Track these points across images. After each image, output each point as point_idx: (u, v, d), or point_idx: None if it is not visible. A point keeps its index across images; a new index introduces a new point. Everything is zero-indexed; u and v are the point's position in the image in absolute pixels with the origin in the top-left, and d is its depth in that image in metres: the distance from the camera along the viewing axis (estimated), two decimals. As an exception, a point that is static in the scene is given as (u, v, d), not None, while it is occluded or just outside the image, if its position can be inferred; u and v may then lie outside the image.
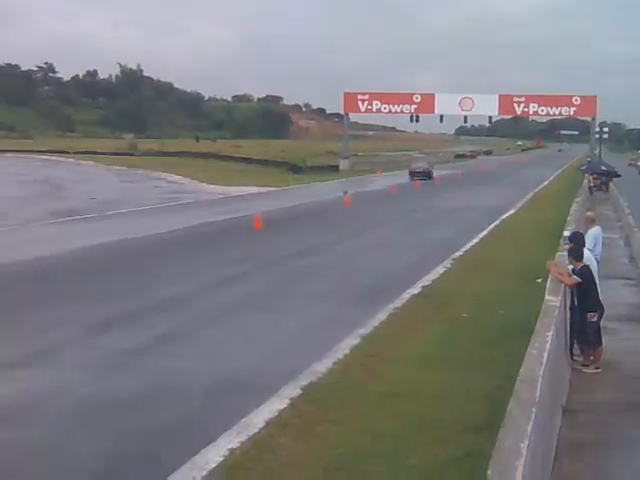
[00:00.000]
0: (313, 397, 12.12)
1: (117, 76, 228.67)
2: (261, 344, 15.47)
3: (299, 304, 19.08)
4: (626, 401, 12.13)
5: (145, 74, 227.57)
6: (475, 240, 30.74)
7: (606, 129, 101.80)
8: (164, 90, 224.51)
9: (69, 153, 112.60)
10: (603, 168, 61.82)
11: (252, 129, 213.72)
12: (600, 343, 13.72)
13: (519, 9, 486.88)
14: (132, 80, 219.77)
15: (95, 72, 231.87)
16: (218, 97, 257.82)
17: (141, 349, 14.83)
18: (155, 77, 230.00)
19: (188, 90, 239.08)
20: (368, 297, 19.88)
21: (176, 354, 14.60)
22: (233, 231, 33.24)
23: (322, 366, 13.64)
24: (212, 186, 61.33)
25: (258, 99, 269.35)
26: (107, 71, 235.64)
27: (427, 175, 76.01)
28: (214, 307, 18.70)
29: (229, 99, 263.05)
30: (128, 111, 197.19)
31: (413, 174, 76.53)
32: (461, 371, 13.22)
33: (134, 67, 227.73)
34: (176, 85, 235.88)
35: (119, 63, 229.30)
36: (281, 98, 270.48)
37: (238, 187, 58.83)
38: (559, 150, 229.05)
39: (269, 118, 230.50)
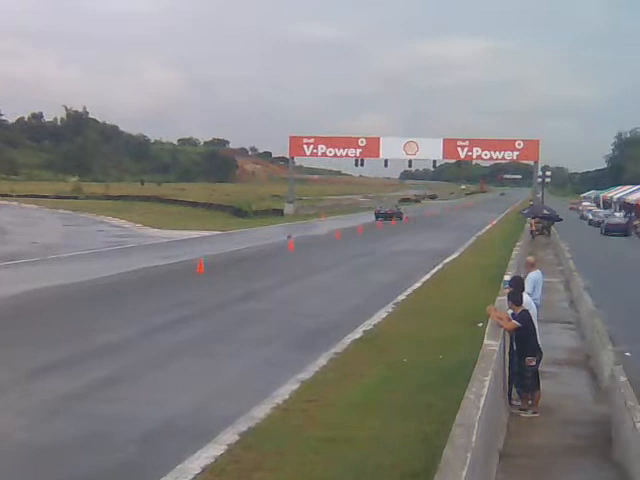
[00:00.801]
0: (251, 443, 12.03)
1: (62, 119, 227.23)
2: (200, 389, 15.35)
3: (240, 349, 18.97)
4: (564, 445, 12.18)
5: (91, 116, 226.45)
6: (417, 284, 30.85)
7: (548, 173, 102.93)
8: (109, 133, 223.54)
9: (12, 196, 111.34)
10: (545, 212, 62.51)
11: (198, 173, 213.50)
12: (538, 387, 13.78)
13: (463, 54, 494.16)
14: (77, 123, 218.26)
15: (40, 114, 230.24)
16: (164, 140, 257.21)
17: (80, 394, 14.67)
18: (101, 120, 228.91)
19: (134, 133, 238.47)
20: (309, 342, 19.84)
21: (115, 399, 14.44)
22: (175, 275, 33.02)
23: (261, 411, 13.55)
24: (156, 230, 61.00)
25: (204, 142, 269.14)
26: (52, 113, 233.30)
27: (390, 216, 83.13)
28: (155, 352, 18.55)
29: (175, 142, 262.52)
30: (73, 154, 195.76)
31: (378, 215, 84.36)
32: (399, 416, 13.18)
33: (80, 109, 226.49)
34: (122, 128, 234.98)
35: (64, 106, 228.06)
36: (227, 142, 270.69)
37: (182, 231, 58.57)
38: (502, 194, 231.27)
39: (215, 162, 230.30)
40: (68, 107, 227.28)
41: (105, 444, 12.08)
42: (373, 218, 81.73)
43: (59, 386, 15.12)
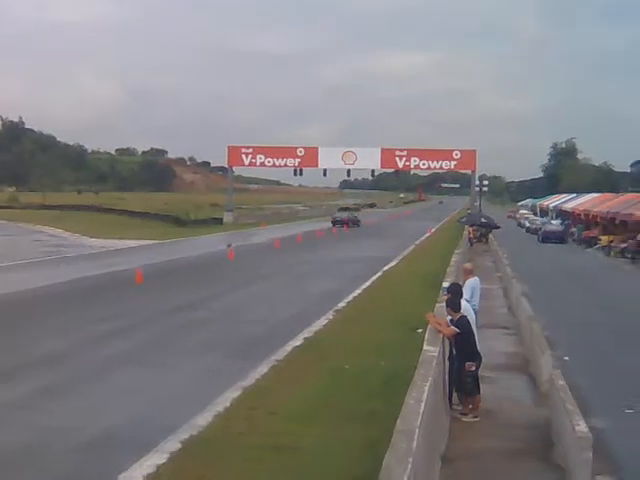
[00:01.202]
0: (193, 451, 11.99)
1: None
2: (141, 399, 15.26)
3: (180, 358, 18.90)
4: (504, 449, 12.29)
5: (27, 126, 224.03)
6: (358, 291, 30.94)
7: (486, 182, 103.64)
8: (46, 143, 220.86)
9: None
10: (483, 220, 63.07)
11: (136, 182, 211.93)
12: (478, 392, 13.90)
13: (401, 65, 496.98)
14: (13, 133, 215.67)
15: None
16: (102, 150, 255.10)
17: (17, 405, 14.54)
18: (37, 129, 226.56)
19: (71, 143, 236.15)
20: (250, 350, 19.82)
21: (53, 410, 14.33)
22: (113, 285, 32.74)
23: (203, 420, 13.53)
24: (93, 239, 60.53)
25: (142, 152, 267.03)
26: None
27: (346, 223, 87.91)
28: (93, 363, 18.38)
29: (113, 152, 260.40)
30: (9, 164, 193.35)
31: (334, 222, 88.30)
32: (342, 423, 13.22)
33: (15, 119, 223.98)
34: (59, 138, 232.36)
35: (0, 115, 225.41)
36: (165, 152, 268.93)
37: (120, 240, 58.13)
38: (440, 202, 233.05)
39: (153, 171, 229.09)
40: (4, 117, 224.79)
41: (44, 455, 11.98)
42: (312, 227, 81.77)
43: (-2, 396, 14.93)
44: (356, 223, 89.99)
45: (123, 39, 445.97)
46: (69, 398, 15.26)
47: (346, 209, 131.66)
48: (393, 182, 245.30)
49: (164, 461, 11.49)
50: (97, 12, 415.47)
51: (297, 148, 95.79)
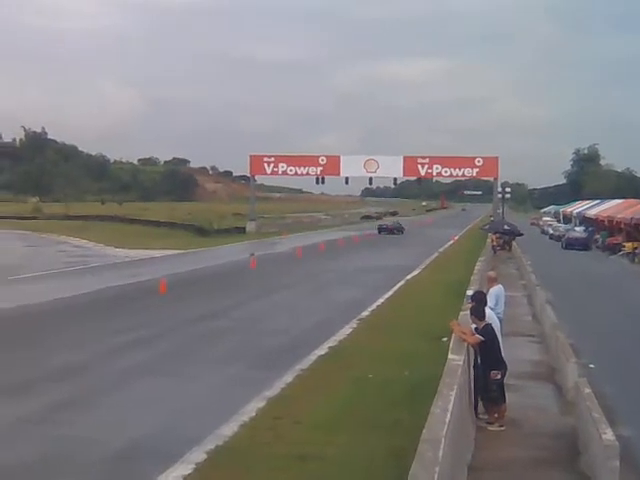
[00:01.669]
0: (219, 462, 12.00)
1: (21, 139, 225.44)
2: (166, 409, 15.29)
3: (204, 368, 18.92)
4: (530, 457, 12.23)
5: (50, 137, 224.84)
6: (381, 300, 30.92)
7: (508, 189, 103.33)
8: (69, 153, 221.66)
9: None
10: (506, 227, 62.82)
11: (159, 192, 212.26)
12: (504, 400, 13.84)
13: (421, 73, 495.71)
14: (36, 143, 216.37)
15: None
16: (124, 160, 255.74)
17: (39, 418, 14.57)
18: (60, 140, 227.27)
19: (93, 153, 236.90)
20: (274, 359, 19.81)
21: (79, 421, 14.36)
22: (137, 295, 32.84)
23: (228, 430, 13.54)
24: (118, 250, 60.67)
25: (165, 162, 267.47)
26: (11, 134, 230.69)
27: (391, 230, 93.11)
28: (118, 373, 18.42)
29: (135, 162, 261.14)
30: (32, 174, 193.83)
31: (380, 229, 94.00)
32: (366, 432, 13.21)
33: (38, 130, 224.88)
34: (81, 148, 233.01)
35: (23, 126, 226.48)
36: (188, 161, 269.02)
37: (144, 250, 58.24)
38: (463, 210, 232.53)
39: (176, 181, 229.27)
40: (27, 128, 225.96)
41: (70, 466, 12.01)
42: (334, 235, 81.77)
43: (17, 409, 14.99)
44: (401, 230, 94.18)
45: (144, 49, 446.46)
46: (92, 409, 15.29)
47: (368, 217, 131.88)
48: (415, 190, 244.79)
49: (190, 472, 11.50)
50: (118, 23, 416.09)
51: (319, 157, 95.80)
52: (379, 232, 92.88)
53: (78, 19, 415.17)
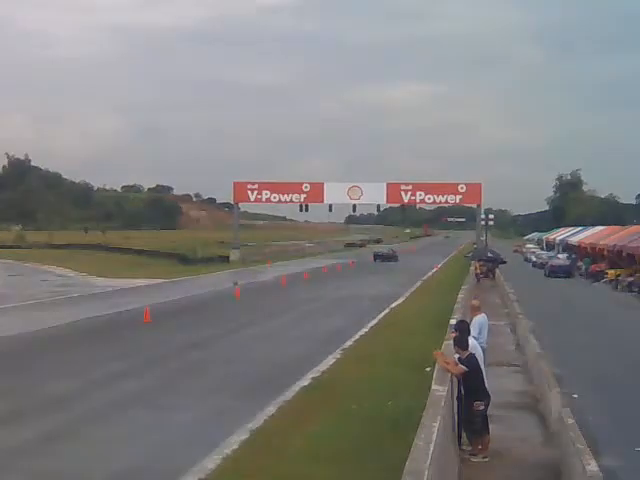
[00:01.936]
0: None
1: (4, 166, 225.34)
2: (148, 442, 15.20)
3: (187, 399, 18.84)
4: (514, 489, 12.21)
5: (33, 164, 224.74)
6: (365, 330, 30.90)
7: (492, 216, 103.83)
8: (52, 181, 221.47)
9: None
10: (489, 255, 63.04)
11: (142, 220, 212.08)
12: (487, 432, 13.82)
13: (402, 99, 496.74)
14: (20, 170, 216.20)
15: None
16: (107, 187, 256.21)
17: (23, 449, 14.43)
18: (43, 167, 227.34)
19: (77, 180, 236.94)
20: (257, 390, 19.76)
21: (59, 454, 14.25)
22: (121, 325, 32.73)
23: (211, 462, 13.45)
24: (101, 279, 60.53)
25: (148, 189, 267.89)
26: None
27: (388, 258, 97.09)
28: (100, 405, 18.32)
29: (119, 189, 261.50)
30: (15, 202, 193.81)
31: (376, 256, 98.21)
32: (350, 464, 13.15)
33: (22, 157, 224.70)
34: (65, 175, 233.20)
35: (6, 153, 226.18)
36: (171, 188, 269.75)
37: (127, 279, 58.13)
38: (446, 237, 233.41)
39: (159, 208, 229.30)
40: (10, 154, 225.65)
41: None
42: (318, 264, 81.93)
43: (2, 441, 14.86)
44: (395, 258, 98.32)
45: (124, 77, 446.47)
46: (74, 441, 15.17)
47: (352, 244, 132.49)
48: (399, 217, 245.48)
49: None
50: (100, 50, 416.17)
51: (303, 184, 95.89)
52: (375, 259, 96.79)
53: (61, 46, 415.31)
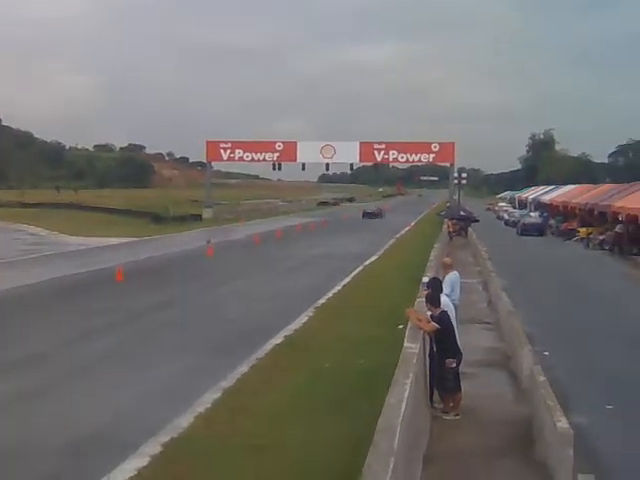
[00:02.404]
0: (175, 454, 11.92)
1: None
2: (120, 400, 15.20)
3: (161, 357, 18.84)
4: (487, 446, 12.28)
5: (4, 124, 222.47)
6: (338, 287, 30.94)
7: (464, 175, 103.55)
8: (24, 140, 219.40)
9: None
10: (462, 213, 63.13)
11: (114, 179, 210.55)
12: (459, 389, 13.87)
13: (377, 59, 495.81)
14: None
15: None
16: (79, 147, 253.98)
17: (-2, 408, 14.40)
18: (15, 127, 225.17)
19: (48, 140, 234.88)
20: (230, 348, 19.76)
21: (32, 411, 14.24)
22: (93, 284, 32.61)
23: (184, 421, 13.45)
24: (73, 237, 60.24)
25: (120, 148, 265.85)
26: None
27: (375, 215, 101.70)
28: (72, 363, 18.33)
29: (91, 148, 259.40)
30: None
31: (365, 214, 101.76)
32: (323, 422, 13.20)
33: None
34: (36, 135, 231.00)
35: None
36: (143, 147, 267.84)
37: (100, 238, 57.81)
38: (419, 195, 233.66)
39: (131, 167, 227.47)
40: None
41: (26, 456, 11.93)
42: (292, 222, 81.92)
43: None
44: (381, 215, 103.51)
45: (97, 35, 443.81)
46: (47, 399, 15.19)
47: (325, 203, 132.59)
48: (372, 176, 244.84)
49: (145, 464, 11.43)
50: (69, 9, 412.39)
51: (276, 143, 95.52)
52: (363, 217, 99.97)
53: (35, 6, 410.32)
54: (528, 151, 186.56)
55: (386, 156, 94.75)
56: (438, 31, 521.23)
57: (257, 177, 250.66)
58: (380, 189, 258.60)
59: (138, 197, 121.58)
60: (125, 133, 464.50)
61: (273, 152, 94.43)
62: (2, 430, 13.12)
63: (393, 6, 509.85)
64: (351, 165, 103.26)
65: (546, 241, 63.39)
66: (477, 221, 63.62)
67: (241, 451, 11.91)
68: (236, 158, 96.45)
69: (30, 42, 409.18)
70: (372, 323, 22.16)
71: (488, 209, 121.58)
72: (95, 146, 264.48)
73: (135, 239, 58.89)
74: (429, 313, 13.85)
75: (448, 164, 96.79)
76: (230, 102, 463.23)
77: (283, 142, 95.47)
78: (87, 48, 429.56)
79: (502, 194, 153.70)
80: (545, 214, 79.15)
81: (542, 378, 12.64)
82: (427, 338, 13.71)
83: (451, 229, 56.91)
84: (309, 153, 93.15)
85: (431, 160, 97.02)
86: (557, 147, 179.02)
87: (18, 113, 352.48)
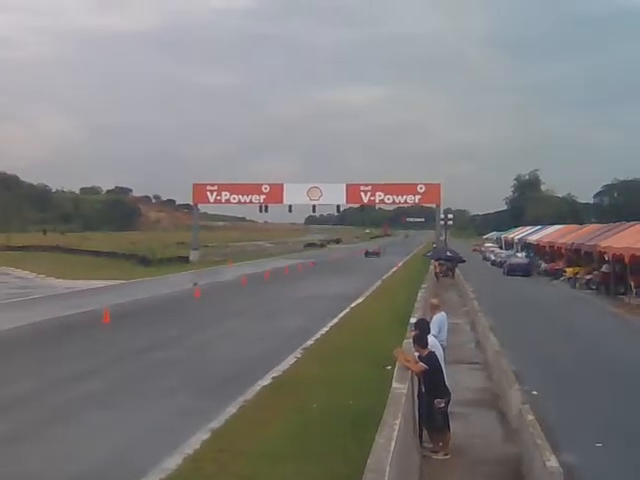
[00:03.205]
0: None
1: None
2: (108, 442, 15.11)
3: (149, 399, 18.78)
4: (476, 485, 12.26)
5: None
6: (325, 329, 30.90)
7: (450, 216, 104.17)
8: (9, 183, 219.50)
9: None
10: (448, 254, 63.25)
11: (101, 221, 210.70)
12: (448, 429, 13.87)
13: (361, 101, 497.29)
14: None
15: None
16: (66, 189, 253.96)
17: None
18: (0, 169, 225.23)
19: (35, 183, 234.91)
20: (218, 390, 19.71)
21: (19, 454, 14.13)
22: (80, 326, 32.49)
23: (172, 462, 13.40)
24: (60, 280, 60.10)
25: (107, 191, 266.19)
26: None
27: (375, 253, 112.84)
28: (61, 406, 18.22)
29: (77, 191, 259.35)
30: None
31: (367, 253, 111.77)
32: (311, 462, 13.14)
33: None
34: (22, 178, 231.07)
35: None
36: (130, 190, 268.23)
37: (86, 281, 57.73)
38: (406, 236, 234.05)
39: (118, 210, 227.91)
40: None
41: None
42: (279, 264, 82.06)
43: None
44: (379, 254, 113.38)
45: (81, 78, 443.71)
46: (34, 442, 15.07)
47: (312, 244, 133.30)
48: (358, 217, 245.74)
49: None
50: (53, 51, 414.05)
51: (262, 185, 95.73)
52: (365, 255, 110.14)
53: (12, 48, 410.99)
54: (514, 192, 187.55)
55: (372, 197, 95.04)
56: (421, 72, 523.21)
57: (244, 219, 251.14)
58: (367, 230, 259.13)
59: (125, 240, 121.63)
60: (111, 176, 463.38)
61: (260, 194, 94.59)
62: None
63: (376, 48, 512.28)
64: (338, 207, 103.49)
65: (533, 281, 63.53)
66: (464, 261, 63.74)
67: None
68: (223, 200, 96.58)
69: (12, 85, 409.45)
70: (360, 364, 22.10)
71: (474, 250, 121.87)
72: (81, 189, 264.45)
73: (122, 281, 58.79)
74: (417, 354, 13.87)
75: (434, 205, 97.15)
76: (215, 144, 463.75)
77: (270, 184, 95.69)
78: (70, 91, 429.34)
79: (488, 235, 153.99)
80: (531, 254, 79.42)
81: (531, 417, 12.66)
82: (415, 379, 13.73)
83: (438, 270, 57.04)
84: (296, 195, 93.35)
85: (417, 201, 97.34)
86: (542, 187, 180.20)
87: (3, 156, 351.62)
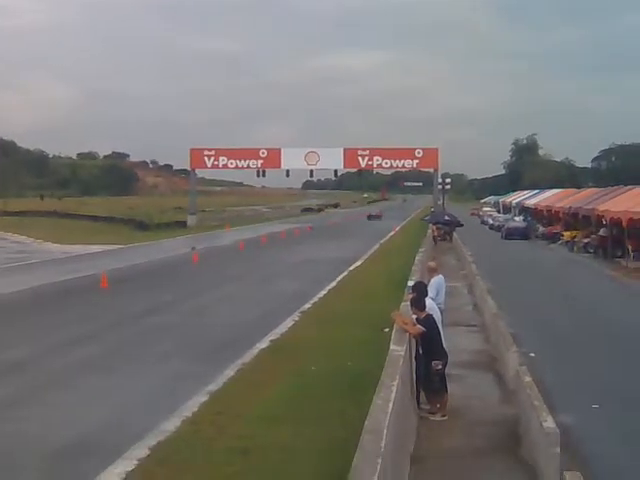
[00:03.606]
0: (162, 457, 11.91)
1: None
2: (106, 405, 15.14)
3: (147, 363, 18.82)
4: (473, 446, 12.30)
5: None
6: (323, 292, 30.94)
7: (448, 180, 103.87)
8: (6, 149, 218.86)
9: None
10: (446, 218, 63.23)
11: (98, 187, 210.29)
12: (446, 391, 13.90)
13: (360, 66, 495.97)
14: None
15: None
16: (63, 155, 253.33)
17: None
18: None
19: (32, 148, 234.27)
20: (216, 353, 19.74)
21: (18, 418, 14.17)
22: (78, 291, 32.54)
23: (170, 425, 13.44)
24: (57, 245, 60.15)
25: (104, 156, 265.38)
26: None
27: (377, 217, 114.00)
28: (59, 370, 18.26)
29: (74, 157, 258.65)
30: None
31: (369, 217, 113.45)
32: (310, 424, 13.18)
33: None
34: (19, 143, 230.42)
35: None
36: (127, 155, 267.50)
37: (84, 245, 57.77)
38: (404, 201, 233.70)
39: (115, 175, 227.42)
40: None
41: (12, 463, 11.85)
42: (276, 228, 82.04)
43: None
44: (380, 217, 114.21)
45: (80, 43, 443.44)
46: (33, 406, 15.12)
47: (309, 209, 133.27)
48: (356, 182, 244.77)
49: (133, 468, 11.41)
50: (52, 17, 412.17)
51: (260, 149, 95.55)
52: (368, 218, 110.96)
53: (9, 16, 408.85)
54: (512, 156, 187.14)
55: (370, 162, 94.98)
56: (421, 37, 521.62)
57: (241, 184, 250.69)
58: (364, 195, 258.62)
59: (122, 205, 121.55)
60: (108, 141, 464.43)
61: (257, 159, 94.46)
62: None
63: (376, 13, 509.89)
64: (335, 171, 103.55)
65: (530, 245, 63.51)
66: (461, 225, 63.69)
67: (227, 454, 11.89)
68: (220, 165, 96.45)
69: (10, 52, 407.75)
70: (358, 327, 22.14)
71: (472, 214, 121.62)
72: (78, 154, 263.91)
73: (119, 246, 58.79)
74: (414, 316, 13.87)
75: (432, 170, 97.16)
76: (214, 109, 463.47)
77: (267, 149, 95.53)
78: (68, 56, 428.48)
79: (486, 199, 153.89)
80: (529, 218, 79.36)
81: (528, 378, 12.67)
82: (413, 341, 13.75)
83: (436, 234, 56.99)
84: (293, 160, 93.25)
85: (415, 166, 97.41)
86: (540, 152, 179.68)
87: (0, 123, 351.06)
